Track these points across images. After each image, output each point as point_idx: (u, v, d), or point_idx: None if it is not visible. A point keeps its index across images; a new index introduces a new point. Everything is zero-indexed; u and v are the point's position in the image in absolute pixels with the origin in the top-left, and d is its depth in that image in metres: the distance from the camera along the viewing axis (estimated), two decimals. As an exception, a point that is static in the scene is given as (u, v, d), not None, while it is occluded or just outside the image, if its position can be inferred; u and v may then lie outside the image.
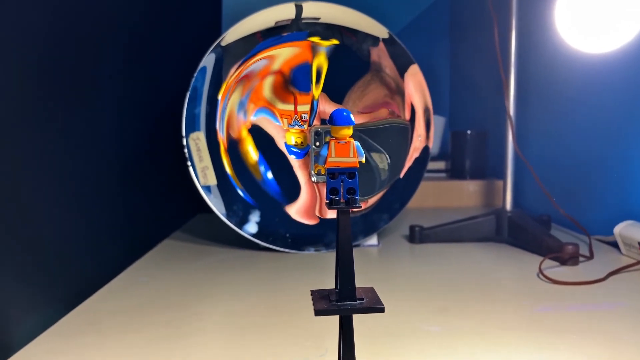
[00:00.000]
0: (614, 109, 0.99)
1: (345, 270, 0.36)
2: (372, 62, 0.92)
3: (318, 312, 0.36)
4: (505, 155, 0.99)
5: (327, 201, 0.37)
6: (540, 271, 0.78)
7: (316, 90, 0.79)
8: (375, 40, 0.93)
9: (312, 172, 0.75)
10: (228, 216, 0.90)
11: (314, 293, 0.39)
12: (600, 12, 0.74)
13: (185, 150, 0.89)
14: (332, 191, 0.37)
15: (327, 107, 0.80)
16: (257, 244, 0.92)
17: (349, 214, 0.37)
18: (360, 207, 0.37)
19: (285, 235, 0.92)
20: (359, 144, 0.37)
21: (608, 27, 0.75)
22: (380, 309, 0.36)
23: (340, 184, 0.38)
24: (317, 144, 0.45)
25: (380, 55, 0.91)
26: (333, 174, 0.37)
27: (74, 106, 0.76)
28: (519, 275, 0.80)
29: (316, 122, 0.81)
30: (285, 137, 0.63)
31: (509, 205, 0.98)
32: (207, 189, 0.90)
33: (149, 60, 1.07)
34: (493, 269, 0.85)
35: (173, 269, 0.85)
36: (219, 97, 0.85)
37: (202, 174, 0.90)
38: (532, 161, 0.99)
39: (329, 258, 0.89)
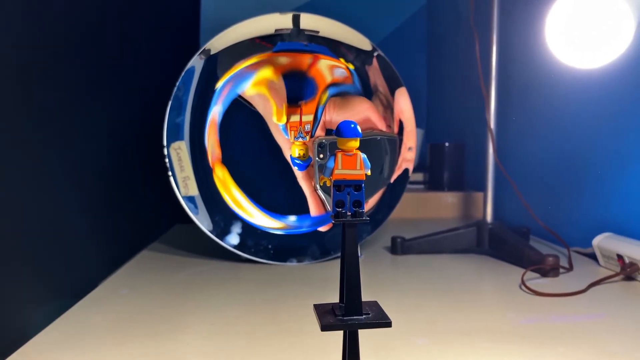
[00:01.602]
0: (593, 123, 1.01)
1: (351, 285, 0.36)
2: (372, 86, 0.91)
3: (325, 327, 0.35)
4: (485, 167, 1.00)
5: (333, 214, 0.37)
6: (523, 282, 0.79)
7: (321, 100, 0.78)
8: (369, 57, 0.92)
9: (317, 185, 0.74)
10: (209, 228, 0.89)
11: (317, 307, 0.38)
12: (593, 27, 0.76)
13: (166, 160, 0.87)
14: (338, 204, 0.37)
15: (334, 116, 0.80)
16: (239, 256, 0.90)
17: (356, 228, 0.37)
18: (368, 220, 0.37)
19: (267, 247, 0.91)
20: (365, 156, 0.37)
21: (599, 43, 0.77)
22: (387, 323, 0.36)
23: (347, 196, 0.37)
24: (321, 155, 0.44)
25: (375, 75, 0.91)
26: (339, 186, 0.37)
27: (49, 115, 0.74)
28: (502, 286, 0.81)
29: (321, 133, 0.80)
30: (291, 149, 0.63)
31: (489, 217, 0.99)
32: (188, 199, 0.88)
33: (128, 68, 1.05)
34: (476, 280, 0.86)
35: (153, 281, 0.82)
36: (216, 87, 0.83)
37: (183, 184, 0.88)
38: (511, 173, 1.00)
39: (312, 270, 0.88)
